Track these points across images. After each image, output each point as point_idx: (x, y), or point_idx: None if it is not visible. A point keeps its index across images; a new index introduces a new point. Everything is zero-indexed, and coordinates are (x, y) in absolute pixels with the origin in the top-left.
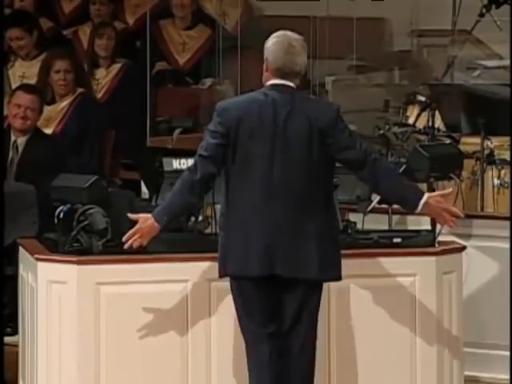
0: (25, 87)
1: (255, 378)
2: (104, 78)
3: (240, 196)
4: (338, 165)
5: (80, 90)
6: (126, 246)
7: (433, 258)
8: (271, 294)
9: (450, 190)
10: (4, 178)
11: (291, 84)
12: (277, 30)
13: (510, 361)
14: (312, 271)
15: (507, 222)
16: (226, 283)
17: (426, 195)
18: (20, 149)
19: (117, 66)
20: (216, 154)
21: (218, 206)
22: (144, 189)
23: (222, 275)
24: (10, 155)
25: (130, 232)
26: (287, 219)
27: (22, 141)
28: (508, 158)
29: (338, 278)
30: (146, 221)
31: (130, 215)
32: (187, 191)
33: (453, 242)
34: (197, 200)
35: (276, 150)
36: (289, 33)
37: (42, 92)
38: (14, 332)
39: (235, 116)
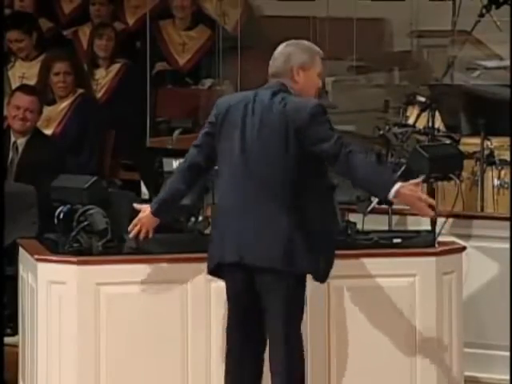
0: (24, 88)
1: (226, 364)
2: (104, 78)
3: (221, 188)
4: None
5: (80, 90)
6: (131, 236)
7: (433, 259)
8: (245, 283)
9: (421, 178)
10: (4, 179)
11: (282, 81)
12: (276, 30)
13: (510, 361)
14: (274, 261)
15: (507, 223)
16: (223, 283)
17: (399, 184)
18: (20, 149)
19: (116, 67)
20: (203, 142)
21: None
22: (144, 189)
23: (208, 271)
24: (10, 156)
25: (132, 223)
26: (257, 210)
27: (21, 141)
28: (508, 159)
29: (305, 271)
30: (145, 210)
31: (135, 205)
32: (177, 179)
33: (453, 243)
34: (186, 188)
35: (250, 143)
36: (291, 41)
37: (42, 93)
38: (14, 332)
39: (224, 107)
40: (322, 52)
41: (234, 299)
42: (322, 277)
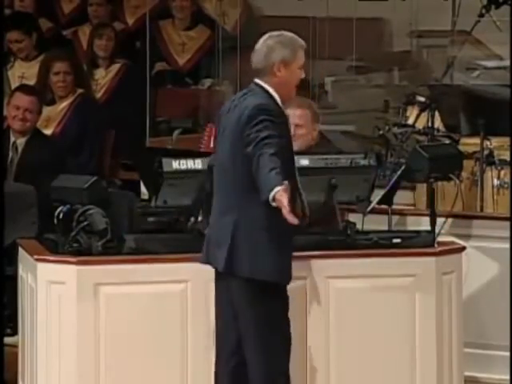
0: (24, 88)
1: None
2: (103, 78)
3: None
4: (339, 165)
5: (80, 90)
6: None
7: (432, 259)
8: (220, 286)
9: (286, 184)
10: (4, 179)
11: (257, 81)
12: (276, 30)
13: (510, 361)
14: (220, 262)
15: (507, 223)
16: None
17: (276, 189)
18: (19, 149)
19: (116, 67)
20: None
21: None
22: (143, 189)
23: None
24: (10, 156)
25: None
26: (218, 211)
27: (21, 141)
28: (507, 159)
29: (243, 274)
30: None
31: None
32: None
33: (452, 243)
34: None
35: (220, 145)
36: (273, 33)
37: (42, 93)
38: (14, 332)
39: (219, 113)
40: (304, 44)
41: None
42: (276, 279)
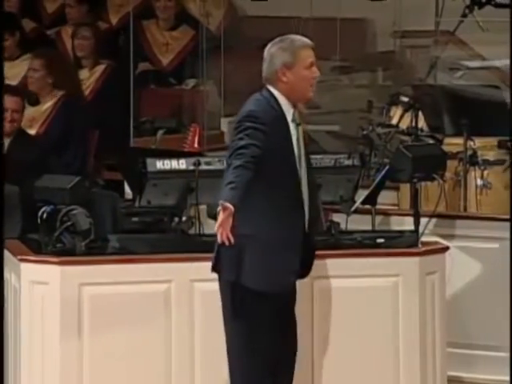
0: (9, 89)
1: None
2: (88, 79)
3: None
4: (323, 165)
5: (60, 92)
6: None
7: (416, 259)
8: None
9: (221, 206)
10: (4, 179)
11: (267, 86)
12: (260, 30)
13: (510, 361)
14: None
15: (490, 223)
16: (208, 284)
17: (220, 204)
18: (4, 149)
19: (101, 68)
20: None
21: (201, 207)
22: (127, 189)
23: None
24: None
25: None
26: None
27: (5, 142)
28: (491, 159)
29: (224, 278)
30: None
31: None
32: None
33: (436, 243)
34: None
35: None
36: (277, 39)
37: (26, 92)
38: None
39: None
40: (308, 42)
41: None
42: (260, 287)
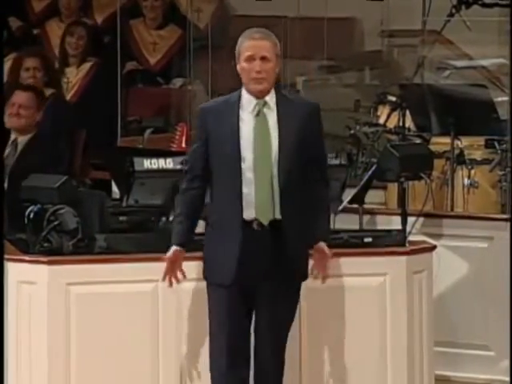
0: (20, 85)
1: None
2: (74, 76)
3: None
4: None
5: (51, 90)
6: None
7: (403, 258)
8: None
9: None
10: (4, 179)
11: None
12: (247, 29)
13: (510, 361)
14: None
15: (477, 222)
16: (194, 283)
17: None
18: (19, 148)
19: (87, 65)
20: None
21: None
22: (115, 189)
23: None
24: (7, 151)
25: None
26: None
27: (22, 140)
28: (478, 158)
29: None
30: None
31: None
32: None
33: (423, 242)
34: None
35: None
36: None
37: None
38: None
39: None
40: (254, 35)
41: None
42: (207, 278)
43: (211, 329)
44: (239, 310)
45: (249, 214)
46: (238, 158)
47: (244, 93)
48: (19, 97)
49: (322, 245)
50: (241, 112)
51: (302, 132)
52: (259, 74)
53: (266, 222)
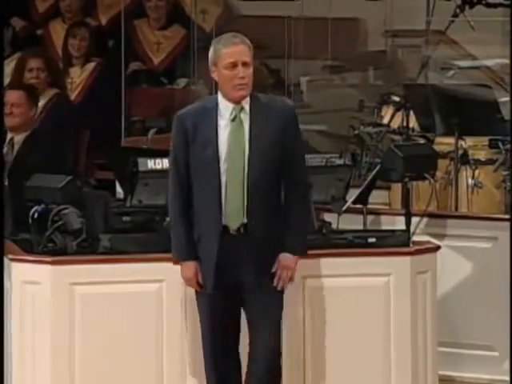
0: (11, 84)
1: None
2: (79, 77)
3: None
4: (314, 165)
5: (55, 90)
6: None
7: (407, 258)
8: None
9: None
10: (3, 178)
11: None
12: (251, 29)
13: (511, 361)
14: None
15: (481, 222)
16: None
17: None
18: (16, 147)
19: (91, 65)
20: None
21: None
22: (119, 189)
23: None
24: (5, 150)
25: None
26: None
27: (18, 139)
28: (482, 158)
29: None
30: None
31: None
32: None
33: (427, 242)
34: None
35: None
36: None
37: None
38: None
39: None
40: (235, 41)
41: None
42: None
43: (201, 331)
44: (223, 317)
45: (224, 219)
46: (216, 164)
47: (221, 99)
48: (10, 95)
49: (285, 256)
50: (219, 118)
51: (276, 136)
52: (243, 79)
53: (234, 227)
